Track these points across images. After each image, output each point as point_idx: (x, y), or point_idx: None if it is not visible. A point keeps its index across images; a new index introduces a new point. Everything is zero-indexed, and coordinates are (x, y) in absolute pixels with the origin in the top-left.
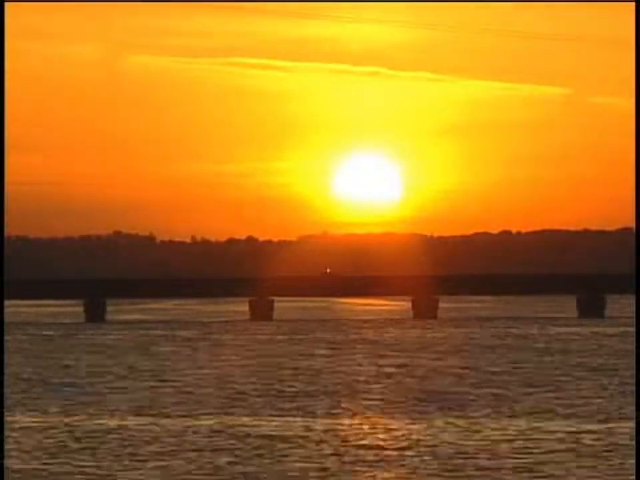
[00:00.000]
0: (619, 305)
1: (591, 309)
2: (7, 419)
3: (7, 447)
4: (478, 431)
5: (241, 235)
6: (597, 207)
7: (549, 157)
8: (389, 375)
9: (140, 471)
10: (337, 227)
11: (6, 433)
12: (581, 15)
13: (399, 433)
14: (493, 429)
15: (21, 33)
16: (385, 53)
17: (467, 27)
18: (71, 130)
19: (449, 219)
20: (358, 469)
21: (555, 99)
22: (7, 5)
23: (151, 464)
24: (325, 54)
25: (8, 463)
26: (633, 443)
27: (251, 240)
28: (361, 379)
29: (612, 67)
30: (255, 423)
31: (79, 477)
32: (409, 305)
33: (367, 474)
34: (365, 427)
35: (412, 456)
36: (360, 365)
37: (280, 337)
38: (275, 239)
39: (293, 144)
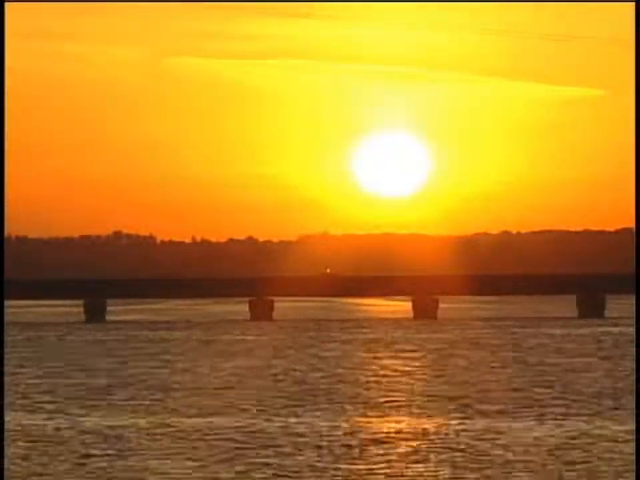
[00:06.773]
0: (619, 305)
1: (591, 308)
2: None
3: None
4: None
5: (241, 235)
6: (604, 207)
7: (565, 157)
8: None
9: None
10: (338, 227)
11: (7, 433)
12: (617, 17)
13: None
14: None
15: (63, 36)
16: (421, 55)
17: (504, 29)
18: (100, 131)
19: (450, 219)
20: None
21: (589, 100)
22: (34, 6)
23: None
24: (360, 55)
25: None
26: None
27: (250, 240)
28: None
29: None
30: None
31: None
32: (409, 305)
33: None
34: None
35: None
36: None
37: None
38: (275, 239)
39: (297, 144)
